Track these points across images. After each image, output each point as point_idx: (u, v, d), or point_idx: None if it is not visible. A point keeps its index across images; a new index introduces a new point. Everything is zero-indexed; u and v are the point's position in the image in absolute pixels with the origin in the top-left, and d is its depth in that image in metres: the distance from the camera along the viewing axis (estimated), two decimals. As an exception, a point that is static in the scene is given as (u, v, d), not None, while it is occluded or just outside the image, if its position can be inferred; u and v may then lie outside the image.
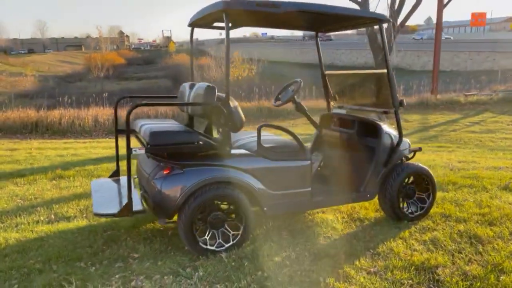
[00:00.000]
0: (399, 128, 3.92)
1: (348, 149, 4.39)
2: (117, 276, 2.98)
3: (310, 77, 10.92)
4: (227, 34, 3.23)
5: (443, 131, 11.27)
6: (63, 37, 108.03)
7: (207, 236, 3.31)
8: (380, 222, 3.99)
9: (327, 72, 4.78)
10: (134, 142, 3.29)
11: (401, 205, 4.01)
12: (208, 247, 3.30)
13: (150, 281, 2.92)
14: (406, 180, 4.03)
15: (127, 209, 3.10)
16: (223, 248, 3.34)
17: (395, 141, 3.95)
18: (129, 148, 3.03)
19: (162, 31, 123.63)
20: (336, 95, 4.77)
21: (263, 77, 39.03)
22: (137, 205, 3.23)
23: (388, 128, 4.04)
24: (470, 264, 3.18)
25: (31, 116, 11.41)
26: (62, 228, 3.81)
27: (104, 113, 12.11)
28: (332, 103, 4.86)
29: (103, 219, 3.96)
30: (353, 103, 4.53)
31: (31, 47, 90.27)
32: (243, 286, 2.86)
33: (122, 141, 3.67)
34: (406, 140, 4.10)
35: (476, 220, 3.98)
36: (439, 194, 4.77)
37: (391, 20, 3.92)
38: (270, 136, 3.90)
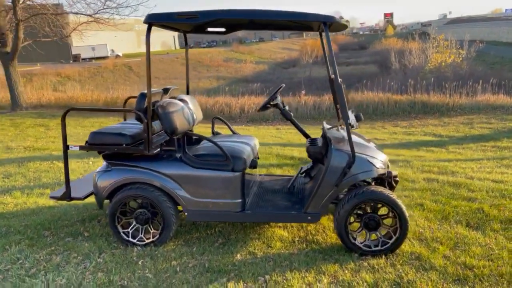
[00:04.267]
0: (351, 147, 3.36)
1: (316, 165, 3.97)
2: (52, 248, 3.70)
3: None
4: (147, 44, 3.41)
5: None
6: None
7: (131, 229, 3.69)
8: (327, 250, 3.55)
9: (333, 76, 4.33)
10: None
11: (353, 235, 3.46)
12: (130, 239, 3.68)
13: (65, 256, 3.52)
14: (364, 208, 3.45)
15: (65, 195, 3.77)
16: (143, 243, 3.66)
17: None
18: (65, 145, 3.66)
19: (384, 14, 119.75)
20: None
21: (482, 62, 33.98)
22: (79, 193, 3.85)
23: (345, 146, 3.48)
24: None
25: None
26: (71, 203, 4.72)
27: (252, 101, 13.19)
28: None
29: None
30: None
31: (262, 36, 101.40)
32: (114, 280, 3.17)
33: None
34: (370, 161, 3.45)
35: (447, 272, 3.12)
36: (463, 233, 3.80)
37: (340, 22, 3.29)
38: (207, 144, 3.87)
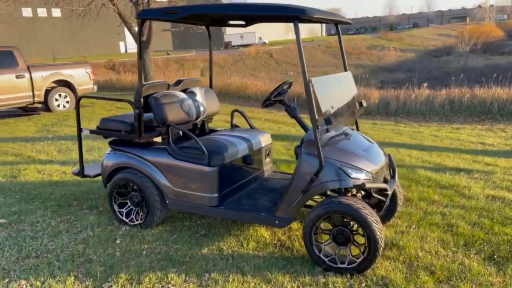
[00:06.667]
0: (318, 153, 3.06)
1: None
2: (68, 217, 4.23)
3: None
4: (139, 37, 3.62)
5: None
6: (449, 9, 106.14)
7: (125, 209, 4.00)
8: (293, 259, 3.33)
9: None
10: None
11: (320, 247, 3.17)
12: (123, 218, 4.00)
13: (71, 226, 4.01)
14: (337, 220, 3.12)
15: (79, 172, 4.26)
16: (133, 223, 3.94)
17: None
18: (79, 128, 4.13)
19: None
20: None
21: None
22: (92, 172, 4.30)
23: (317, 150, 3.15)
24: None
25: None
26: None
27: (363, 93, 12.50)
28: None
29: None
30: None
31: (417, 21, 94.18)
32: (87, 253, 3.49)
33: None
34: (342, 169, 3.08)
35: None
36: (473, 265, 3.18)
37: (314, 15, 2.92)
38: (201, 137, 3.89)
